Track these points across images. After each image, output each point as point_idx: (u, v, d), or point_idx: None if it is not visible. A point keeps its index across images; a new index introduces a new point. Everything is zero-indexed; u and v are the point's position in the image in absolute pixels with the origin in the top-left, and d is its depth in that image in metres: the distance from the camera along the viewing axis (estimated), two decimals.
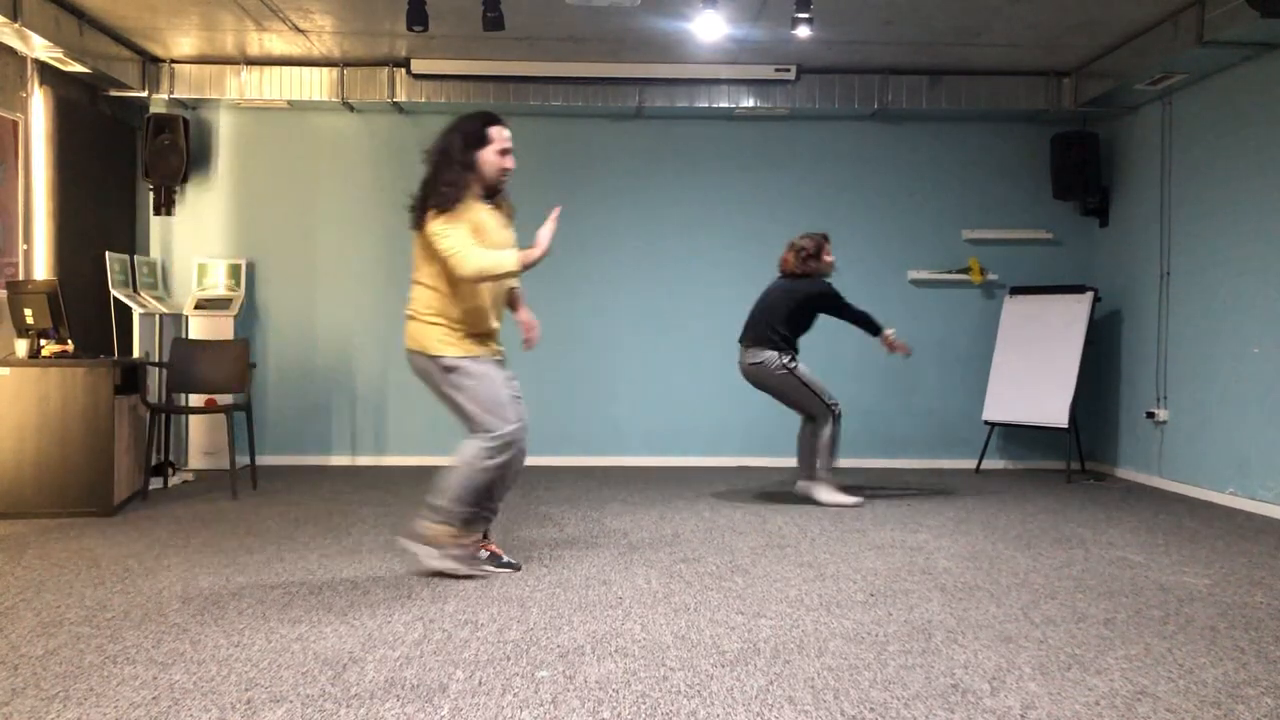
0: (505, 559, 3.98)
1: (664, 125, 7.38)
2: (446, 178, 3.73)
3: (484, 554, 3.93)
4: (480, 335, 3.82)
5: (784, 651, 2.97)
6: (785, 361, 5.59)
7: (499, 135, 3.82)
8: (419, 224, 3.74)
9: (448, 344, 3.73)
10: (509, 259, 3.71)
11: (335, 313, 7.32)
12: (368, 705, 2.51)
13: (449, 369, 3.72)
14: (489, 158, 3.80)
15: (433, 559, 3.81)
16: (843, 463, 7.31)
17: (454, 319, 3.75)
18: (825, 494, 5.63)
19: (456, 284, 3.73)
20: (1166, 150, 6.58)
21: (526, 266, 3.76)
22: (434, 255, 3.70)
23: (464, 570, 3.81)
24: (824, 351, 7.41)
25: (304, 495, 5.87)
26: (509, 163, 3.85)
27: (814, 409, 5.66)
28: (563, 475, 6.78)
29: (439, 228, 3.67)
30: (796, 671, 2.79)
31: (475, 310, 3.78)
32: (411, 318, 3.80)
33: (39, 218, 6.10)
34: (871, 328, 5.74)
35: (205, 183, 7.27)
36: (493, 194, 3.87)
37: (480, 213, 3.78)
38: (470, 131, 3.79)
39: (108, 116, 6.93)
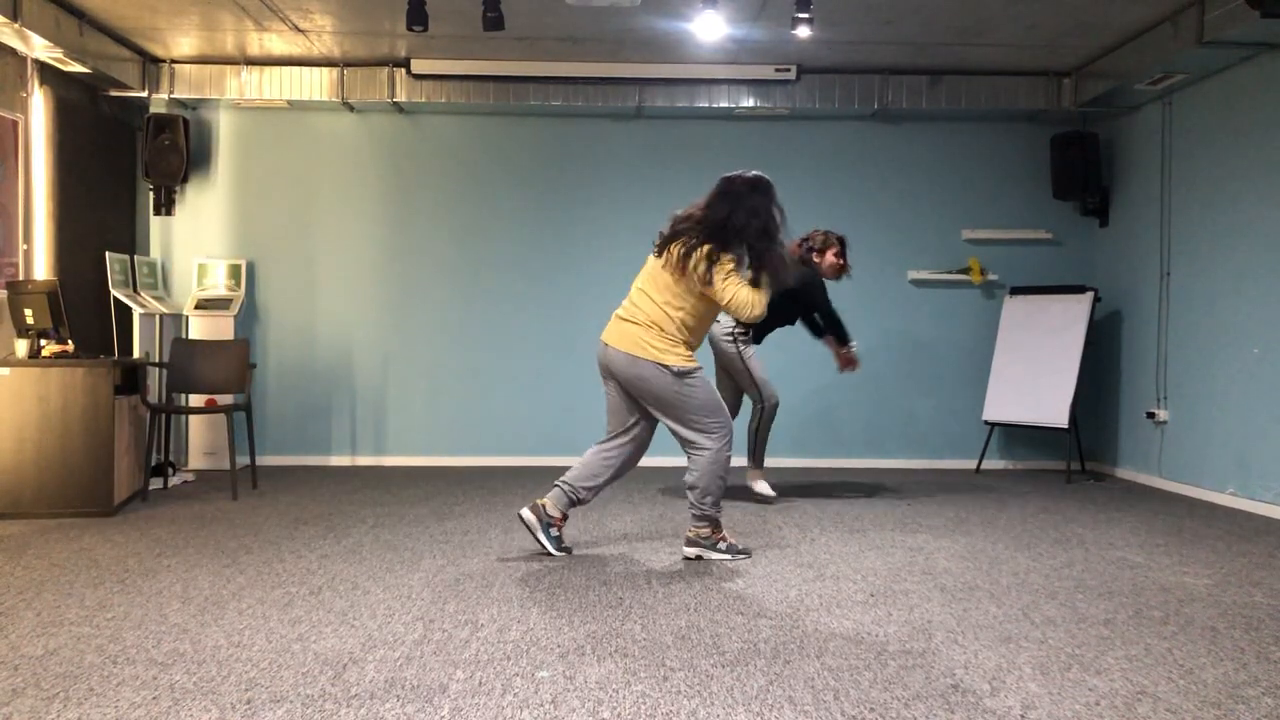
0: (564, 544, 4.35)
1: (664, 125, 7.38)
2: (749, 232, 4.07)
3: (555, 532, 4.29)
4: (694, 349, 4.21)
5: (784, 651, 2.97)
6: (737, 332, 5.54)
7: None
8: (686, 257, 4.04)
9: (683, 358, 4.10)
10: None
11: (335, 313, 7.32)
12: (368, 705, 2.51)
13: (681, 374, 4.07)
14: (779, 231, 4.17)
15: (713, 554, 4.23)
16: (846, 463, 7.33)
17: (688, 339, 4.15)
18: (756, 483, 5.73)
19: (704, 314, 4.16)
20: (1166, 150, 6.58)
21: None
22: (690, 286, 4.06)
23: (735, 557, 4.23)
24: (827, 350, 7.42)
25: (304, 495, 5.86)
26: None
27: (749, 392, 5.69)
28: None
29: (723, 278, 4.02)
30: (796, 671, 2.79)
31: (703, 332, 4.24)
32: (637, 324, 4.11)
33: (39, 218, 6.10)
34: (841, 334, 5.79)
35: (205, 183, 7.27)
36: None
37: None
38: (776, 202, 4.18)
39: (108, 116, 6.93)
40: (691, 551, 4.23)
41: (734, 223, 4.05)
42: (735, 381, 5.69)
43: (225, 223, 7.28)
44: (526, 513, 4.24)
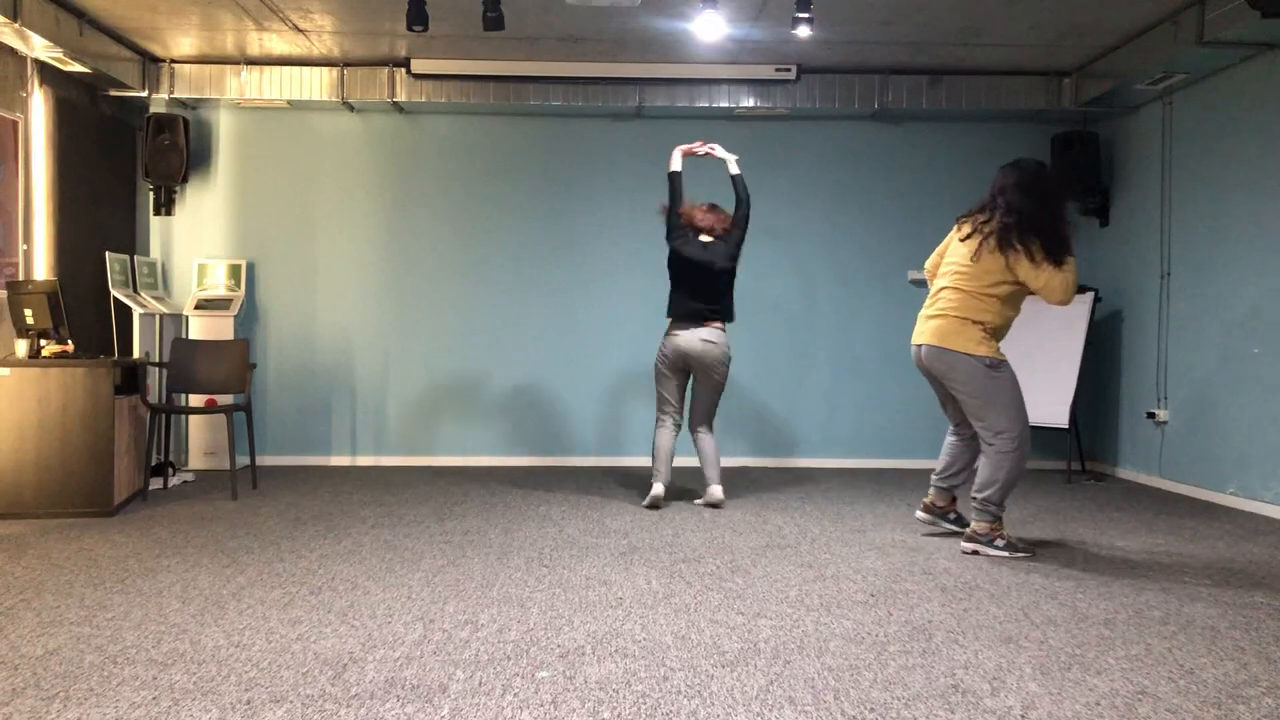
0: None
1: (664, 125, 7.38)
2: (1062, 228, 4.26)
3: (952, 515, 4.73)
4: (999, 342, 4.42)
5: (784, 652, 2.97)
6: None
7: None
8: (1007, 247, 4.24)
9: (989, 346, 4.31)
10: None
11: (335, 313, 7.32)
12: (368, 705, 2.51)
13: (991, 366, 4.29)
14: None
15: (989, 550, 4.35)
16: (846, 463, 7.34)
17: (995, 327, 4.34)
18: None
19: (1011, 301, 4.35)
20: (1166, 150, 6.58)
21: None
22: (1000, 273, 4.25)
23: (1014, 554, 4.32)
24: (828, 350, 7.42)
25: (304, 495, 5.86)
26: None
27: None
28: (563, 475, 6.78)
29: (1051, 267, 4.22)
30: (797, 672, 2.79)
31: (1010, 323, 4.41)
32: (946, 317, 4.38)
33: (39, 218, 6.10)
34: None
35: (205, 183, 7.27)
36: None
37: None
38: (1067, 190, 4.33)
39: (108, 116, 6.93)
40: (969, 547, 4.38)
41: (1046, 211, 4.27)
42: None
43: (225, 223, 7.28)
44: (920, 513, 4.80)
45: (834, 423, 7.44)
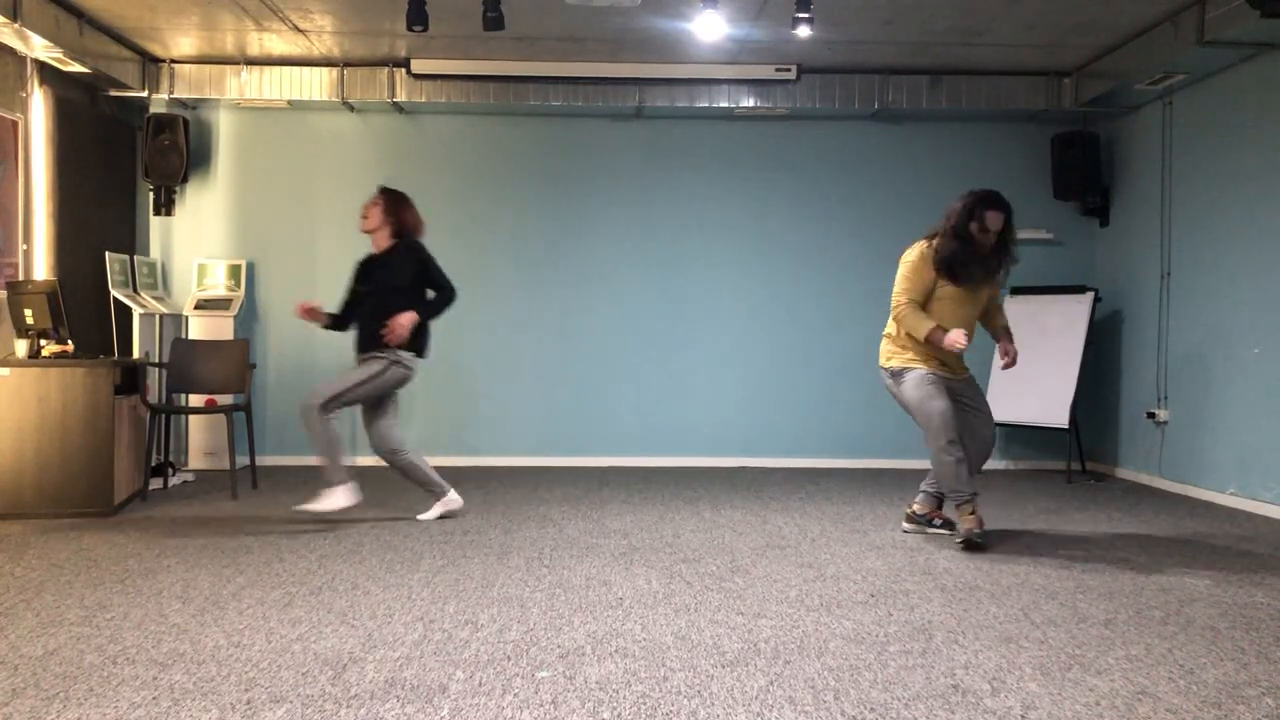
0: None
1: (664, 125, 7.38)
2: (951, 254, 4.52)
3: (937, 521, 4.83)
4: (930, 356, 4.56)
5: (784, 652, 2.97)
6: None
7: (992, 219, 4.47)
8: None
9: (900, 357, 4.58)
10: (923, 328, 4.46)
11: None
12: (368, 705, 2.51)
13: (893, 375, 4.61)
14: (975, 232, 4.50)
15: (960, 536, 4.57)
16: (846, 463, 7.33)
17: (906, 342, 4.58)
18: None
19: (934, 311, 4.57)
20: (1166, 150, 6.58)
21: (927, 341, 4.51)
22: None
23: (973, 538, 4.50)
24: (827, 349, 7.42)
25: (304, 495, 5.85)
26: (984, 238, 4.51)
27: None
28: (563, 475, 6.78)
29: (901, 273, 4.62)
30: (797, 672, 2.79)
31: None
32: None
33: (39, 218, 6.10)
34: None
35: (205, 183, 7.27)
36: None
37: (939, 280, 4.53)
38: (969, 206, 4.51)
39: (108, 116, 6.93)
40: (909, 527, 4.84)
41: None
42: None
43: (225, 223, 7.28)
44: (906, 525, 4.88)
45: (834, 423, 7.43)
